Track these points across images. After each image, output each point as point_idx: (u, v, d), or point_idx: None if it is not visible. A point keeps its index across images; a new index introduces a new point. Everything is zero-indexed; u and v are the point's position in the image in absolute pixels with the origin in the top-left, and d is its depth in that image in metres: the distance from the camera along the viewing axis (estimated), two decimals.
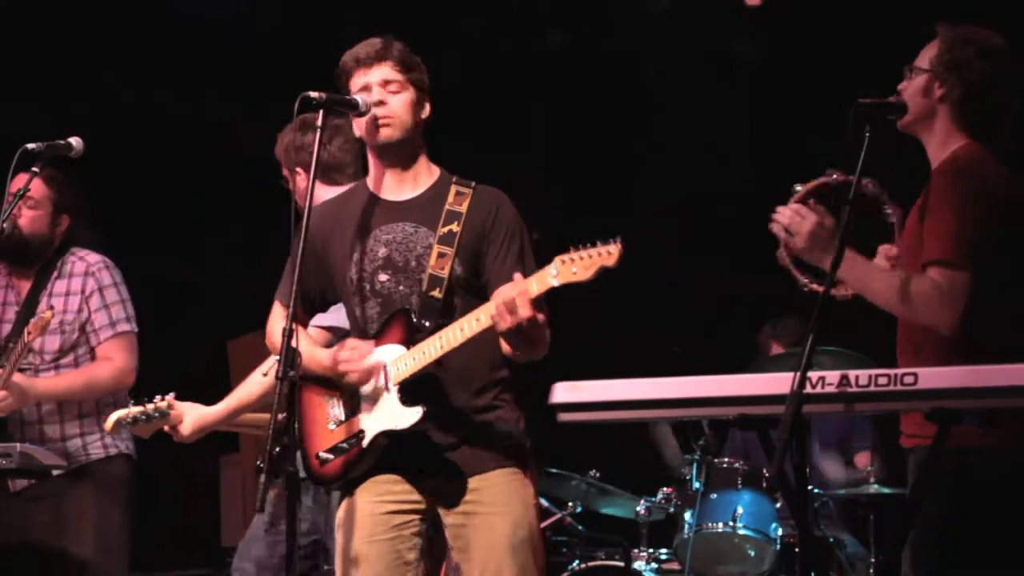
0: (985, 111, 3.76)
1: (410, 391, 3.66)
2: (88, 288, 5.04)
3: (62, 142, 4.50)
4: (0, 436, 4.83)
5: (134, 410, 4.39)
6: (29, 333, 4.68)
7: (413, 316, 3.70)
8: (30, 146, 4.49)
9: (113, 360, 5.03)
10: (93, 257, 5.11)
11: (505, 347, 3.68)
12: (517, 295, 3.45)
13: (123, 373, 5.04)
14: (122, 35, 6.91)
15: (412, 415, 3.63)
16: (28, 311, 4.95)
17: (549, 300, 3.80)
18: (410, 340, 3.67)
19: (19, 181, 4.69)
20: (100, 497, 4.99)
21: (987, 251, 3.57)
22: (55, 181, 5.02)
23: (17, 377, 4.80)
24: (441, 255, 3.74)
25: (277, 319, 3.93)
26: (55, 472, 4.88)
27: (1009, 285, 3.63)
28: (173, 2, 7.13)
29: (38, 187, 4.91)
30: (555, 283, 3.43)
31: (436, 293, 3.71)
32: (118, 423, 4.39)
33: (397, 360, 3.68)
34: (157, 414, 4.37)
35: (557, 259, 3.44)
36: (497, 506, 3.73)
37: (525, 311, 3.45)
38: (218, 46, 7.06)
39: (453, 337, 3.59)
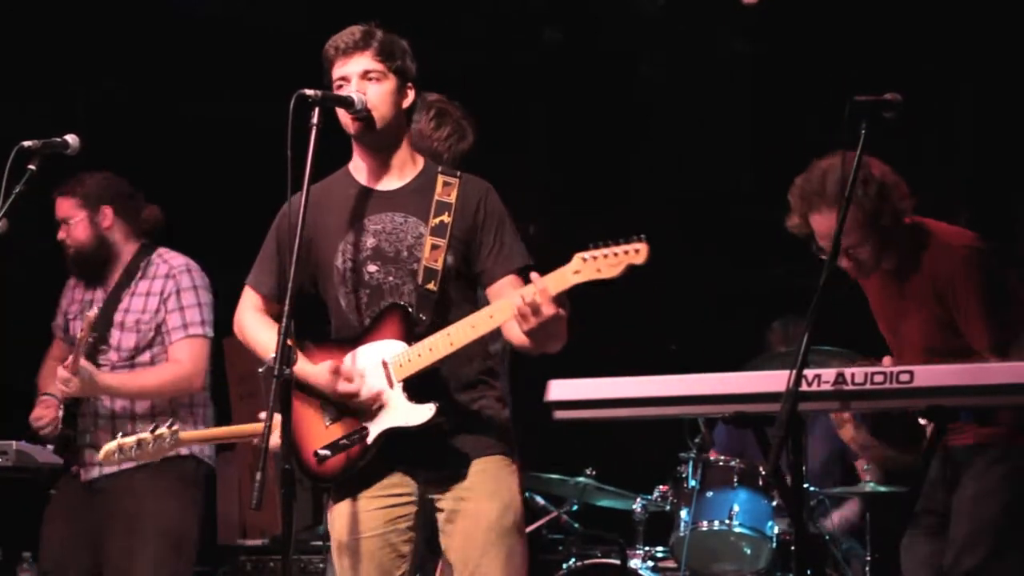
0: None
1: (417, 388, 3.66)
2: (167, 290, 5.09)
3: (58, 139, 4.49)
4: (72, 427, 4.94)
5: (128, 440, 4.39)
6: (82, 330, 4.78)
7: (410, 310, 3.70)
8: (26, 144, 4.48)
9: (181, 363, 5.06)
10: (177, 260, 5.17)
11: (522, 341, 3.65)
12: (539, 293, 3.48)
13: (187, 377, 5.06)
14: (121, 35, 6.90)
15: (425, 412, 3.63)
16: (110, 308, 5.03)
17: None
18: (410, 335, 3.67)
19: (61, 205, 5.04)
20: (166, 494, 4.98)
21: None
22: (74, 187, 5.10)
23: (86, 365, 4.84)
24: (434, 247, 3.74)
25: (247, 309, 3.93)
26: (129, 465, 4.84)
27: None
28: (172, 1, 7.12)
29: (64, 206, 5.07)
30: (576, 280, 3.48)
31: (431, 286, 3.71)
32: (108, 454, 4.42)
33: (399, 356, 3.67)
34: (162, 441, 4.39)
35: (577, 256, 3.48)
36: (485, 492, 3.73)
37: (549, 309, 3.50)
38: (218, 46, 7.05)
39: (464, 334, 3.60)
